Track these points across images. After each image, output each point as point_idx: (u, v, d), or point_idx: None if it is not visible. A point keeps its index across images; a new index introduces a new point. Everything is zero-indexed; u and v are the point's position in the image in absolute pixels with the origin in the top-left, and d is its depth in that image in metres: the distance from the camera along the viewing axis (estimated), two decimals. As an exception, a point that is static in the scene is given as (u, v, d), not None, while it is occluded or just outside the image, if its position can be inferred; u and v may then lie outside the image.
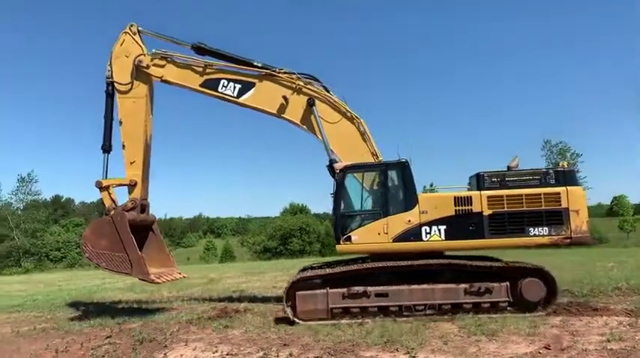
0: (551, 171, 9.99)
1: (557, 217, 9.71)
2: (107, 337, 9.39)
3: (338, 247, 10.56)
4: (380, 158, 10.89)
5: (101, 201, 12.24)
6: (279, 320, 10.01)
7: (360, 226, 10.37)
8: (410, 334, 8.08)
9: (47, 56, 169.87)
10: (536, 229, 9.76)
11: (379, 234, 10.19)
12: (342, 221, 10.48)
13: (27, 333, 10.43)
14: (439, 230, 10.01)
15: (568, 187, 9.76)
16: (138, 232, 11.74)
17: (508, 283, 9.67)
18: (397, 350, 7.28)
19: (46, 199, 64.58)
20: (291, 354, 7.40)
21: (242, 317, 10.69)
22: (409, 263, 9.91)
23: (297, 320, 9.85)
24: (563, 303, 10.19)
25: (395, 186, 10.51)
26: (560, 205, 9.71)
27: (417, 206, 10.13)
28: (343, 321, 9.64)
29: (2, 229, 56.94)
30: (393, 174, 10.53)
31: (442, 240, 9.99)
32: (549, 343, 7.24)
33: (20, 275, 39.88)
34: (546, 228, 9.73)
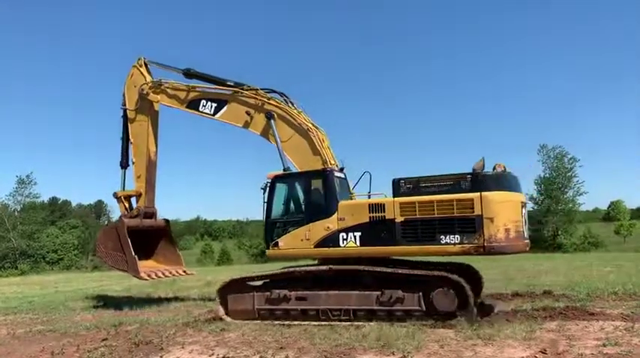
0: (467, 176, 9.51)
1: (469, 225, 9.25)
2: (103, 339, 9.37)
3: (267, 252, 11.21)
4: (339, 167, 11.47)
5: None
6: (275, 324, 9.99)
7: (286, 233, 10.86)
8: (406, 338, 8.07)
9: (47, 57, 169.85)
10: (447, 237, 9.42)
11: (302, 240, 10.59)
12: (271, 228, 11.10)
13: (23, 335, 10.42)
14: (355, 236, 10.14)
15: (483, 193, 9.21)
16: (147, 235, 14.22)
17: (421, 292, 9.48)
18: (393, 354, 7.28)
19: (43, 201, 64.35)
20: (287, 357, 7.40)
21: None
22: (307, 269, 10.55)
23: (227, 319, 10.66)
24: (560, 308, 10.20)
25: (317, 195, 10.83)
26: (473, 212, 9.22)
27: (335, 213, 10.35)
28: (268, 322, 10.16)
29: (-1, 231, 56.89)
30: (315, 183, 10.89)
31: (357, 246, 10.12)
32: (545, 347, 7.24)
33: (16, 277, 39.80)
34: (458, 236, 9.34)
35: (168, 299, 15.44)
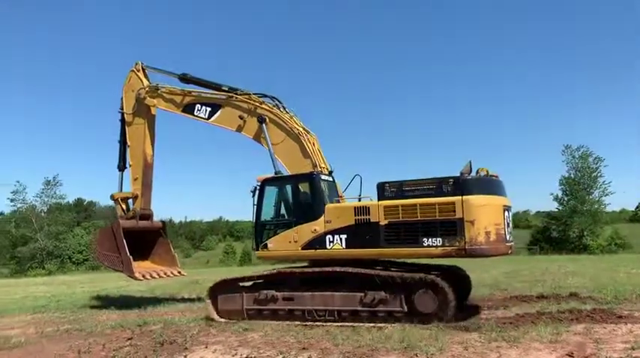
0: (449, 180, 9.62)
1: (451, 228, 9.38)
2: (128, 339, 9.51)
3: (257, 254, 11.54)
4: (323, 170, 11.67)
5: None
6: (297, 324, 10.01)
7: (274, 234, 11.16)
8: (430, 339, 8.01)
9: (72, 58, 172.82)
10: (429, 240, 9.56)
11: (290, 242, 10.85)
12: (260, 229, 11.40)
13: (51, 334, 10.62)
14: (341, 239, 10.33)
15: (464, 197, 9.33)
16: (144, 237, 14.63)
17: (403, 294, 9.61)
18: (416, 356, 7.23)
19: (69, 202, 65.42)
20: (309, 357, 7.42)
21: (261, 320, 10.71)
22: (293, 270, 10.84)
23: (217, 318, 10.99)
24: (587, 310, 10.02)
25: (304, 197, 11.05)
26: (455, 215, 9.34)
27: (322, 216, 10.55)
28: (257, 321, 10.40)
29: (27, 231, 57.97)
30: (302, 186, 11.13)
31: (343, 249, 10.31)
32: (572, 350, 7.11)
33: (44, 277, 40.58)
34: (440, 239, 9.47)
35: (191, 300, 15.60)
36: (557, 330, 8.30)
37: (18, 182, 59.41)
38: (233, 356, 7.82)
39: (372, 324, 9.53)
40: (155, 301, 15.25)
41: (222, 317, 11.06)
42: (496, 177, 10.40)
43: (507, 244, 9.91)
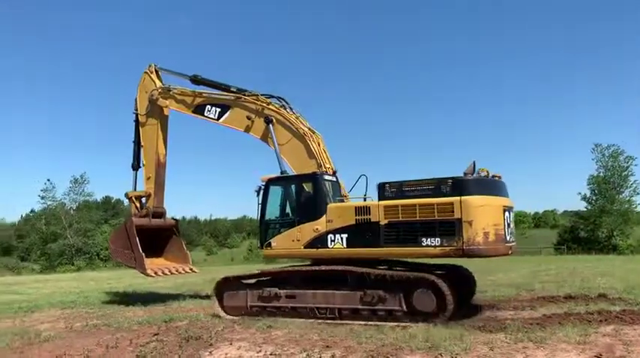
0: (448, 181, 9.66)
1: (449, 228, 9.43)
2: (155, 334, 9.65)
3: (262, 252, 11.85)
4: (328, 170, 11.88)
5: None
6: (321, 322, 10.03)
7: (278, 233, 11.39)
8: (454, 339, 7.94)
9: (103, 57, 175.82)
10: (428, 239, 9.63)
11: (293, 241, 11.05)
12: (265, 228, 11.66)
13: (79, 329, 10.84)
14: (342, 238, 10.48)
15: (462, 197, 9.38)
16: (157, 234, 15.03)
17: (402, 293, 9.71)
18: (441, 356, 7.18)
19: (97, 200, 66.53)
20: (333, 356, 7.42)
21: (284, 317, 10.77)
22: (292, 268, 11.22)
23: (223, 314, 11.26)
24: (616, 311, 9.81)
25: (307, 197, 11.29)
26: (453, 216, 9.40)
27: (324, 215, 10.71)
28: (261, 318, 10.59)
29: (56, 228, 59.23)
30: (305, 186, 11.40)
31: (344, 248, 10.46)
32: (601, 352, 6.97)
33: (73, 273, 41.34)
34: (438, 239, 9.54)
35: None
36: (585, 331, 8.15)
37: (48, 180, 60.42)
38: (257, 352, 7.87)
39: (371, 323, 9.71)
40: (180, 297, 15.42)
41: (227, 314, 11.32)
42: (499, 177, 10.47)
43: (507, 245, 9.91)
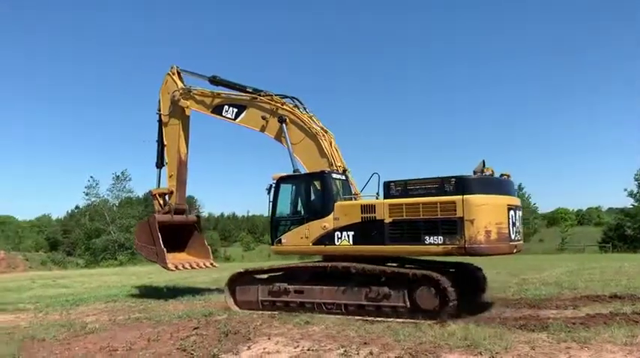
0: (451, 180, 9.73)
1: (451, 226, 9.52)
2: (195, 328, 9.81)
3: (272, 248, 12.17)
4: (339, 169, 12.10)
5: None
6: (358, 319, 10.01)
7: (288, 230, 11.69)
8: (494, 338, 7.80)
9: (142, 59, 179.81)
10: (431, 238, 9.74)
11: (302, 237, 11.34)
12: (275, 225, 12.01)
13: (122, 322, 11.13)
14: (348, 235, 10.70)
15: (464, 196, 9.44)
16: (179, 230, 15.59)
17: (405, 290, 9.84)
18: (481, 354, 7.06)
19: (138, 196, 67.90)
20: (371, 353, 7.40)
21: (321, 313, 10.79)
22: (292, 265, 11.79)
23: (235, 308, 11.67)
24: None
25: (316, 195, 11.57)
26: (455, 214, 9.47)
27: (332, 213, 10.93)
28: (270, 312, 11.00)
29: (100, 224, 60.83)
30: (314, 184, 11.64)
31: (350, 245, 10.68)
32: (649, 354, 6.74)
33: (115, 268, 42.44)
34: (441, 237, 9.64)
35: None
36: (632, 332, 7.87)
37: (91, 177, 62.12)
38: (295, 348, 7.92)
39: (376, 318, 9.87)
40: (219, 292, 15.63)
41: (239, 308, 11.74)
42: (507, 176, 10.55)
43: (512, 243, 9.93)
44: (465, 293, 10.31)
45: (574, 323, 8.69)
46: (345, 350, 7.56)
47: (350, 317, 10.05)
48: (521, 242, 10.62)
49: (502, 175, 10.50)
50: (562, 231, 55.09)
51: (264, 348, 7.97)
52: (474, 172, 10.03)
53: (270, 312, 11.00)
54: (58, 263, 45.07)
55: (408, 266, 10.77)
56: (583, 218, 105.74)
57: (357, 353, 7.40)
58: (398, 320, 9.61)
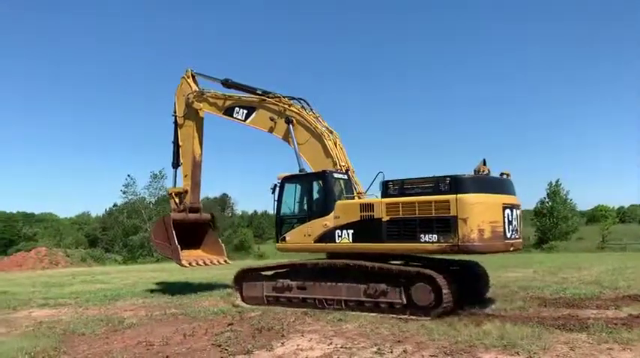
0: (446, 179, 9.93)
1: (445, 225, 9.74)
2: (229, 324, 9.93)
3: (277, 246, 12.65)
4: (343, 168, 12.42)
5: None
6: (392, 317, 9.95)
7: (292, 228, 12.10)
8: (532, 338, 7.65)
9: (174, 57, 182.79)
10: (426, 236, 9.97)
11: (305, 235, 11.74)
12: (280, 223, 12.47)
13: (159, 317, 11.32)
14: (348, 233, 11.02)
15: (458, 195, 9.65)
16: (194, 228, 16.08)
17: (402, 287, 10.14)
18: (518, 354, 6.92)
19: (174, 194, 68.98)
20: (405, 351, 7.34)
21: (354, 311, 10.77)
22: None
23: (243, 304, 12.18)
24: None
25: (317, 194, 11.95)
26: (449, 213, 9.69)
27: (333, 212, 11.28)
28: (276, 307, 11.58)
29: (137, 221, 62.07)
30: (316, 184, 12.01)
31: (350, 243, 10.99)
32: (696, 356, 6.49)
33: (152, 264, 43.15)
34: (436, 235, 9.87)
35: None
36: (677, 334, 7.60)
37: (129, 176, 63.48)
38: (328, 345, 7.92)
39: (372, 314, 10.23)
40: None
41: (246, 303, 12.24)
42: (507, 175, 10.81)
43: (507, 241, 10.12)
44: (467, 290, 10.90)
45: (615, 324, 8.47)
46: (379, 348, 7.52)
47: (383, 315, 10.10)
48: (520, 240, 10.81)
49: (502, 174, 10.76)
50: (602, 228, 53.56)
51: (297, 345, 7.99)
52: (475, 171, 10.31)
53: (302, 309, 11.11)
54: (97, 259, 46.07)
55: (407, 263, 11.09)
56: (625, 215, 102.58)
57: (391, 352, 7.34)
58: (395, 316, 9.90)
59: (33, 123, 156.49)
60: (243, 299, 12.45)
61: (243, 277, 12.65)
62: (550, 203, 53.72)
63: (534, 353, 6.90)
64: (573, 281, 15.65)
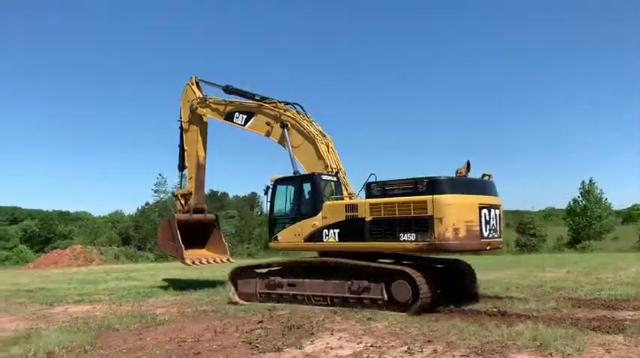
0: (424, 180, 10.32)
1: (423, 224, 10.17)
2: (259, 322, 10.01)
3: (270, 245, 13.25)
4: (335, 171, 12.91)
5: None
6: (419, 316, 9.89)
7: (283, 228, 12.64)
8: (565, 339, 7.50)
9: (189, 58, 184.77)
10: (405, 235, 10.43)
11: (295, 235, 12.30)
12: (272, 223, 13.03)
13: (190, 314, 11.49)
14: (334, 233, 11.54)
15: (434, 196, 10.07)
16: (198, 228, 16.80)
17: (383, 283, 10.58)
18: (551, 355, 6.79)
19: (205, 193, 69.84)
20: (435, 350, 7.28)
21: (384, 310, 10.74)
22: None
23: (238, 300, 12.74)
24: None
25: (307, 196, 12.43)
26: (426, 213, 10.11)
27: (320, 212, 11.81)
28: (271, 304, 12.02)
29: (168, 220, 63.25)
30: (305, 186, 12.49)
31: (336, 242, 11.53)
32: None
33: (183, 262, 43.80)
34: (414, 234, 10.32)
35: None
36: None
37: (160, 175, 64.49)
38: (358, 344, 7.91)
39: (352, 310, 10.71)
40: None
41: (240, 299, 12.79)
42: (489, 176, 11.24)
43: (483, 241, 10.51)
44: (453, 287, 11.71)
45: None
46: (409, 348, 7.48)
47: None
48: (499, 239, 11.16)
49: (484, 175, 11.19)
50: (639, 228, 52.02)
51: (327, 343, 8.01)
52: (456, 172, 10.70)
53: (331, 308, 11.15)
54: (130, 257, 46.93)
55: (396, 262, 11.69)
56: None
57: (421, 351, 7.30)
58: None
59: (59, 127, 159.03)
60: (238, 296, 12.93)
61: (238, 275, 13.16)
62: (584, 202, 52.51)
63: (568, 354, 6.77)
64: (609, 282, 15.30)
